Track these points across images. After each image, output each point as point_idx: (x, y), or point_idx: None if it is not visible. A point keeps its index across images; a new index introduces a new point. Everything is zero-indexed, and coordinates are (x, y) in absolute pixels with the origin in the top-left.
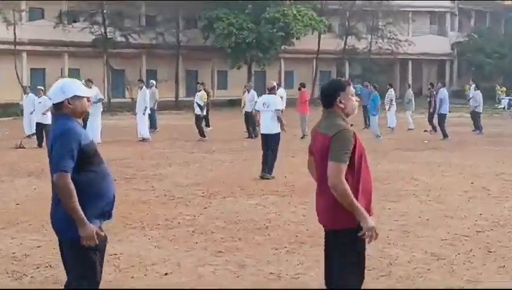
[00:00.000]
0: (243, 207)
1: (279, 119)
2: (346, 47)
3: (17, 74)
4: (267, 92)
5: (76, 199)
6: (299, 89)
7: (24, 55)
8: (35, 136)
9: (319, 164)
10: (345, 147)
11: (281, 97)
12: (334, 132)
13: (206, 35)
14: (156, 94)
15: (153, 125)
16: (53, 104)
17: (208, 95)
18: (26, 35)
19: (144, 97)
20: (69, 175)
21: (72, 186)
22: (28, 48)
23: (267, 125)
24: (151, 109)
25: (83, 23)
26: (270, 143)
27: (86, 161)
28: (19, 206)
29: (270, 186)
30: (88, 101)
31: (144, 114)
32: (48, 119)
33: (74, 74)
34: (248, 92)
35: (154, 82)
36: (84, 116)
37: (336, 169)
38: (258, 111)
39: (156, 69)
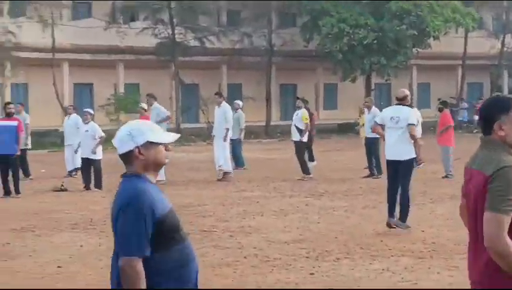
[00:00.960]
0: (364, 273)
1: (413, 139)
2: (505, 49)
3: (56, 90)
4: (395, 102)
5: (144, 287)
6: (440, 110)
7: (65, 65)
8: (77, 173)
9: (473, 211)
10: (507, 192)
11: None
12: (492, 170)
13: (308, 37)
14: (242, 120)
15: (238, 162)
16: (119, 154)
17: (310, 116)
18: (68, 40)
19: (225, 115)
20: (139, 260)
21: (142, 273)
22: (71, 56)
23: (396, 147)
24: (234, 141)
25: (143, 22)
26: (401, 173)
27: (163, 238)
28: (60, 270)
29: (402, 243)
30: (166, 149)
31: (224, 139)
32: (98, 155)
33: (132, 89)
34: (368, 111)
35: (240, 103)
36: None
37: (493, 222)
38: (380, 125)
39: (241, 82)
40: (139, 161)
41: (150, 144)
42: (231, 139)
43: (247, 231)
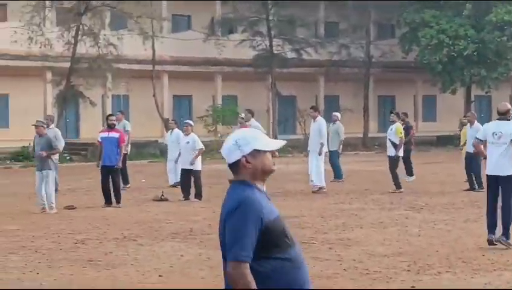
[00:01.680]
0: (466, 287)
1: None
2: None
3: (156, 102)
4: (497, 116)
5: None
6: None
7: (165, 77)
8: (180, 186)
9: None
10: None
11: None
12: None
13: (407, 48)
14: (341, 131)
15: (336, 174)
16: (229, 164)
17: (409, 130)
18: (168, 52)
19: (319, 130)
20: (247, 265)
21: (252, 280)
22: (170, 68)
23: (498, 163)
24: (333, 152)
25: (241, 34)
26: (502, 189)
27: (270, 245)
28: (162, 279)
29: (505, 257)
30: (273, 156)
31: (319, 154)
32: (197, 165)
33: (229, 101)
34: (470, 125)
35: (338, 115)
36: None
37: None
38: (481, 141)
39: (338, 94)
40: (246, 170)
41: (256, 152)
42: (329, 151)
43: (346, 243)
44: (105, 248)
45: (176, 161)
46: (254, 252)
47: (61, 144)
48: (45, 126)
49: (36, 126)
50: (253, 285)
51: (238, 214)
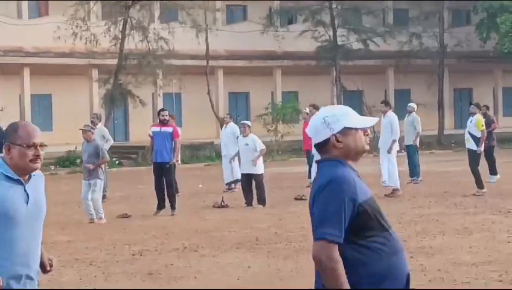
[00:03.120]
0: None
1: None
2: None
3: (210, 100)
4: None
5: (346, 284)
6: None
7: (220, 73)
8: (236, 187)
9: None
10: None
11: None
12: None
13: (485, 36)
14: (417, 123)
15: (413, 172)
16: (315, 144)
17: (490, 124)
18: (223, 46)
19: (391, 125)
20: (335, 247)
21: (340, 264)
22: (225, 63)
23: None
24: (409, 147)
25: (302, 24)
26: None
27: (363, 227)
28: None
29: None
30: (365, 134)
31: (389, 151)
32: (259, 169)
33: (290, 98)
34: None
35: (414, 106)
36: None
37: None
38: None
39: (409, 88)
40: (337, 150)
41: (347, 130)
42: (406, 146)
43: (428, 252)
44: (165, 259)
45: (233, 160)
46: (345, 235)
47: (109, 143)
48: (93, 131)
49: (83, 131)
50: (342, 270)
51: (328, 192)
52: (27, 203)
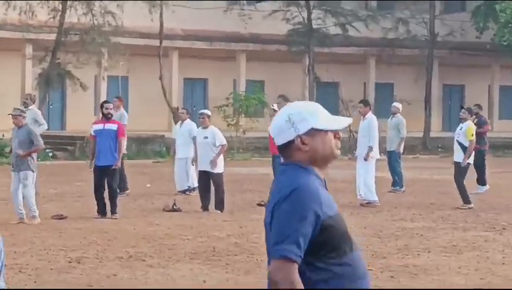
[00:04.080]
0: None
1: None
2: None
3: (163, 86)
4: None
5: None
6: None
7: (174, 56)
8: (192, 192)
9: None
10: None
11: None
12: None
13: (482, 25)
14: (402, 127)
15: (396, 181)
16: (278, 146)
17: (482, 125)
18: (179, 24)
19: (370, 130)
20: (295, 267)
21: (299, 285)
22: (182, 44)
23: None
24: (392, 154)
25: (272, 3)
26: None
27: (324, 246)
28: None
29: None
30: (336, 137)
31: (365, 159)
32: (219, 167)
33: (255, 87)
34: None
35: (399, 106)
36: None
37: None
38: None
39: (392, 82)
40: (302, 153)
41: (315, 132)
42: (388, 152)
43: (411, 272)
44: (107, 269)
45: (192, 162)
46: (305, 254)
47: (42, 128)
48: (24, 115)
49: (13, 116)
50: None
51: (288, 204)
52: None
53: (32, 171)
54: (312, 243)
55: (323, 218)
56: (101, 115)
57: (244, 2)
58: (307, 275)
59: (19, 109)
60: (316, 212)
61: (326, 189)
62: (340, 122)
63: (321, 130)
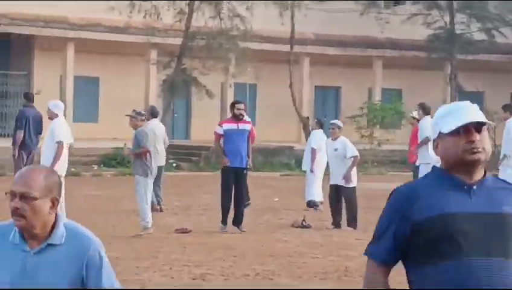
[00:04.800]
0: None
1: None
2: None
3: (292, 95)
4: None
5: None
6: None
7: (305, 62)
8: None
9: None
10: None
11: None
12: None
13: None
14: None
15: None
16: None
17: None
18: (312, 28)
19: (507, 135)
20: (375, 266)
21: (377, 285)
22: (314, 49)
23: None
24: None
25: (412, 6)
26: None
27: (420, 248)
28: None
29: None
30: (469, 141)
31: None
32: (351, 180)
33: (391, 96)
34: None
35: None
36: None
37: None
38: None
39: None
40: (440, 157)
41: (443, 135)
42: None
43: None
44: (233, 287)
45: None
46: (388, 252)
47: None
48: (141, 117)
49: (130, 117)
50: None
51: (386, 205)
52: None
53: (140, 175)
54: (406, 244)
55: (416, 220)
56: (232, 116)
57: (381, 4)
58: (408, 276)
59: (135, 111)
60: (404, 214)
61: (471, 195)
62: (460, 118)
63: (446, 133)
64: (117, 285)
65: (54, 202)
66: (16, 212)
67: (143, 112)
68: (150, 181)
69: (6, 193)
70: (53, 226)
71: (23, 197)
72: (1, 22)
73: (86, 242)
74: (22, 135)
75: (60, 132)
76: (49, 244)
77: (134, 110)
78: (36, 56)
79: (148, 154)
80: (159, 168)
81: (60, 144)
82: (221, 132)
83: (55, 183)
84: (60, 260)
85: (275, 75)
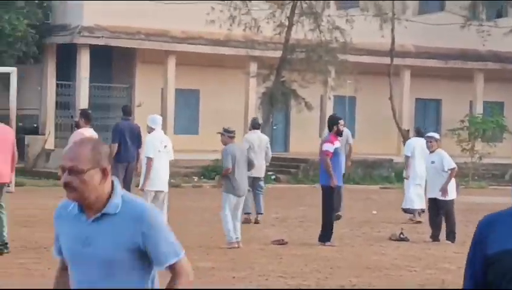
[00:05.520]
0: None
1: None
2: None
3: (392, 108)
4: None
5: None
6: None
7: (406, 75)
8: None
9: None
10: None
11: None
12: None
13: None
14: None
15: None
16: None
17: None
18: (412, 41)
19: None
20: None
21: None
22: (414, 62)
23: None
24: None
25: None
26: None
27: (491, 286)
28: None
29: None
30: None
31: None
32: (450, 194)
33: (493, 109)
34: None
35: None
36: None
37: None
38: None
39: None
40: None
41: None
42: None
43: None
44: None
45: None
46: (469, 281)
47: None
48: (230, 135)
49: (221, 134)
50: None
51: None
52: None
53: (227, 193)
54: (483, 277)
55: (489, 252)
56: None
57: (483, 17)
58: None
59: (224, 128)
60: (479, 245)
61: None
62: None
63: None
64: (178, 249)
65: (105, 172)
66: (67, 186)
67: (231, 130)
68: (235, 198)
69: None
70: (109, 197)
71: (72, 170)
72: (103, 35)
73: (140, 211)
74: (116, 149)
75: (149, 147)
76: (105, 214)
77: (223, 128)
78: (138, 69)
79: (232, 172)
80: (257, 179)
81: (148, 160)
82: (333, 151)
83: (103, 154)
84: (115, 229)
85: (375, 88)
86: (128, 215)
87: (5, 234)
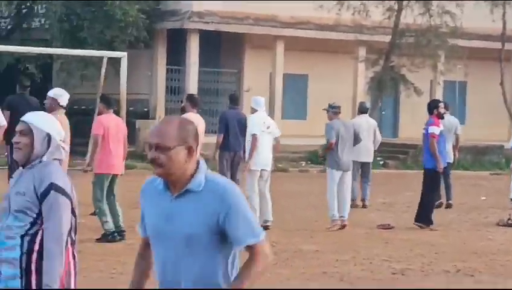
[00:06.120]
0: None
1: None
2: None
3: (503, 93)
4: None
5: None
6: None
7: None
8: None
9: None
10: None
11: None
12: None
13: None
14: None
15: None
16: None
17: None
18: None
19: None
20: None
21: None
22: None
23: None
24: None
25: None
26: None
27: None
28: None
29: None
30: None
31: None
32: None
33: None
34: None
35: None
36: None
37: None
38: None
39: None
40: None
41: None
42: None
43: None
44: (432, 282)
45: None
46: None
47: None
48: (335, 110)
49: (327, 111)
50: None
51: None
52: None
53: (331, 168)
54: None
55: None
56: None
57: None
58: None
59: (329, 104)
60: None
61: None
62: None
63: None
64: (257, 231)
65: (190, 150)
66: (153, 162)
67: (336, 105)
68: (339, 173)
69: None
70: (193, 174)
71: (158, 147)
72: (213, 20)
73: (223, 190)
74: (221, 138)
75: (253, 125)
76: (188, 190)
77: (329, 104)
78: (246, 54)
79: (335, 146)
80: (366, 164)
81: (253, 136)
82: (438, 133)
83: (189, 132)
84: (197, 206)
85: (485, 73)
86: (210, 193)
87: (121, 223)
